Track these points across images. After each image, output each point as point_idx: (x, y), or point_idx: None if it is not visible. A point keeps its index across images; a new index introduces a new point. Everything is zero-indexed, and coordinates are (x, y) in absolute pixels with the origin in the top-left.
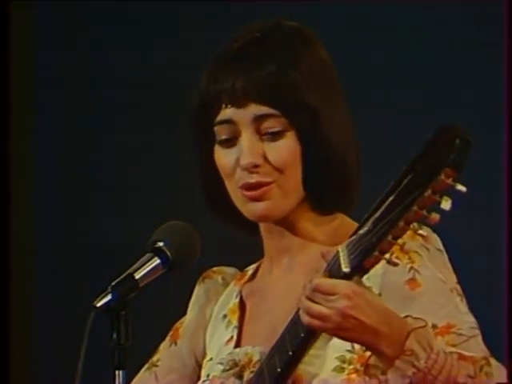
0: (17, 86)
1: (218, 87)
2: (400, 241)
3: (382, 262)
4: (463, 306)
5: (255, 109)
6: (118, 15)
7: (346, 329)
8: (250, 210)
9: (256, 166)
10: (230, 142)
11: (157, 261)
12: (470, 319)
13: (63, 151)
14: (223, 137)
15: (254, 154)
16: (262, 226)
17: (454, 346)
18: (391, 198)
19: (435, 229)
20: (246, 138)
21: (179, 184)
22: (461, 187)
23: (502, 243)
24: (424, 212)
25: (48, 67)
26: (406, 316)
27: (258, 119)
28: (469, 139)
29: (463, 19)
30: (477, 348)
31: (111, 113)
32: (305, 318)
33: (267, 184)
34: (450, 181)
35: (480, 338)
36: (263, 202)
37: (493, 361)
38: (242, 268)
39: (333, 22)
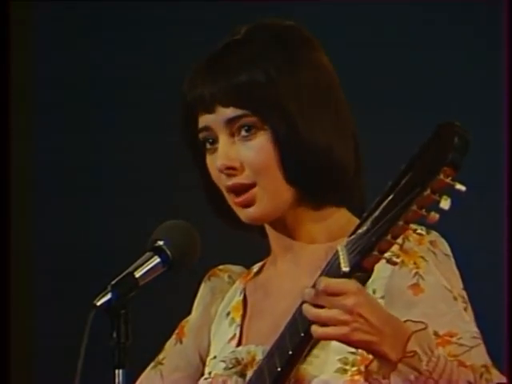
0: (17, 85)
1: (192, 96)
2: (399, 240)
3: (390, 265)
4: (466, 315)
5: (225, 112)
6: (118, 15)
7: (354, 329)
8: (243, 216)
9: (232, 169)
10: (213, 146)
11: (157, 260)
12: (473, 329)
13: (63, 151)
14: (206, 143)
15: (228, 157)
16: (265, 226)
17: (455, 356)
18: (390, 197)
19: (437, 231)
20: (222, 141)
21: (179, 184)
22: (460, 186)
23: (502, 244)
24: (423, 211)
25: (48, 67)
26: (406, 320)
27: (230, 122)
28: (467, 137)
29: (463, 19)
30: (479, 358)
31: (111, 113)
32: (318, 331)
33: (245, 186)
34: (449, 180)
35: (482, 347)
36: (253, 207)
37: (493, 369)
38: (247, 266)
39: (332, 22)
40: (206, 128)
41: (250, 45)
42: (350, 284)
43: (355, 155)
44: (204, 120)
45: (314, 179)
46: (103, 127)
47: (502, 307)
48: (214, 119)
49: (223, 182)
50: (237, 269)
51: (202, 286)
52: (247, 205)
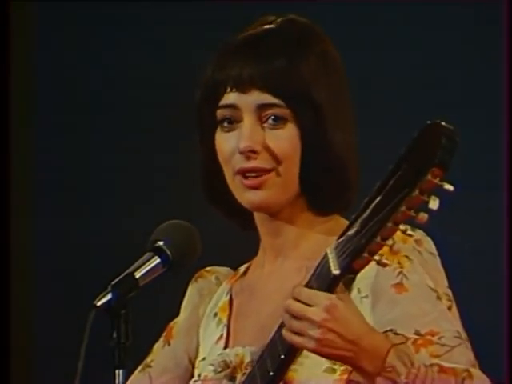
0: (17, 85)
1: (225, 73)
2: (389, 241)
3: (375, 265)
4: (450, 314)
5: (259, 96)
6: (118, 15)
7: (326, 343)
8: (247, 198)
9: (254, 152)
10: (231, 126)
11: (157, 260)
12: (454, 328)
13: (63, 151)
14: (225, 120)
15: (253, 140)
16: (258, 223)
17: (437, 356)
18: (379, 199)
19: (433, 231)
20: (248, 123)
21: (179, 184)
22: (448, 186)
23: (501, 245)
24: (412, 212)
25: (48, 67)
26: (387, 331)
27: (261, 107)
28: (455, 137)
29: (463, 19)
30: (461, 358)
31: (111, 113)
32: (287, 335)
33: (264, 170)
34: (437, 180)
35: (464, 347)
36: (262, 190)
37: (475, 372)
38: (237, 267)
39: (332, 22)
40: (233, 106)
41: (288, 36)
42: (322, 298)
43: (357, 160)
44: (232, 98)
45: (325, 182)
46: (103, 127)
47: (502, 307)
48: (246, 100)
49: (238, 163)
50: (224, 270)
51: (190, 287)
52: (256, 187)
